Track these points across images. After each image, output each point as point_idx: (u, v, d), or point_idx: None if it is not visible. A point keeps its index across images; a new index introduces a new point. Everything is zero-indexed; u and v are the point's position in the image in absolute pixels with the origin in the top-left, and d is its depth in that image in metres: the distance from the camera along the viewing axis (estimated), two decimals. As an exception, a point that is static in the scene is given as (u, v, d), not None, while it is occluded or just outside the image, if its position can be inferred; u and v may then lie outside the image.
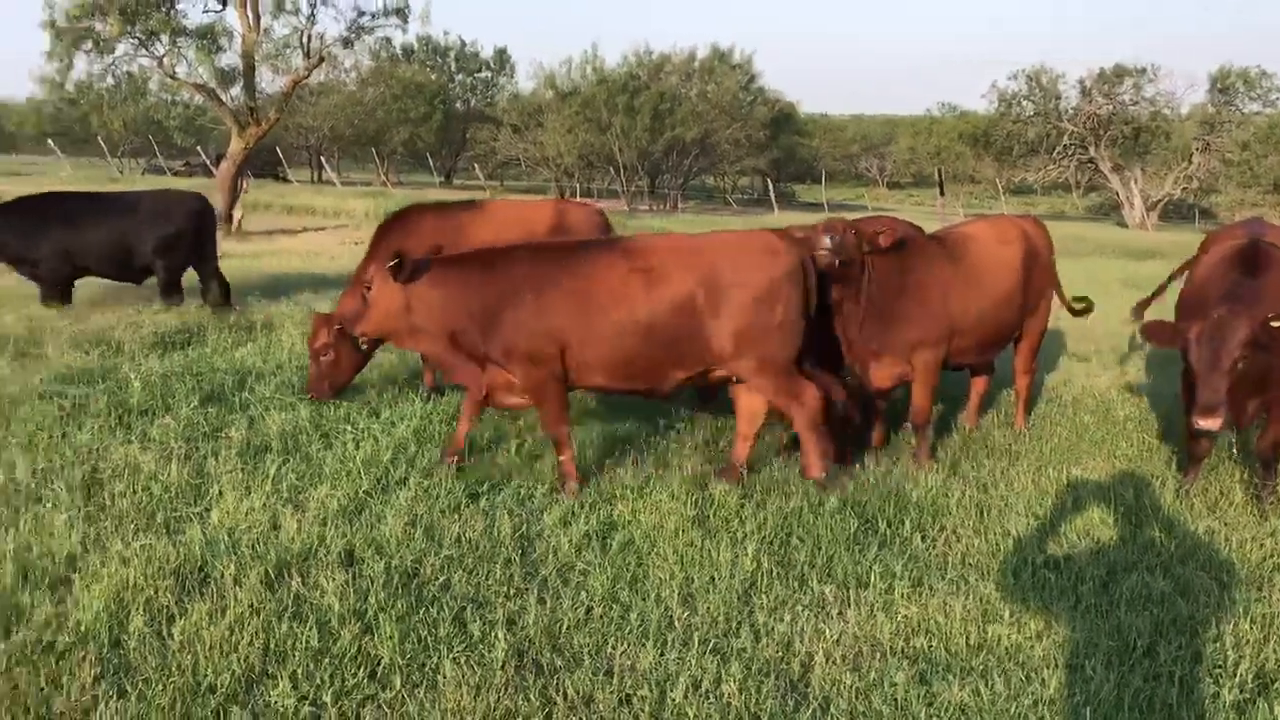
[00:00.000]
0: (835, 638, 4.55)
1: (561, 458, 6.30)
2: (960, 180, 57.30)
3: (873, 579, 5.10)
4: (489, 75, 59.77)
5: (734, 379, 6.43)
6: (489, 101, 58.98)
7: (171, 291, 11.52)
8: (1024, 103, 50.28)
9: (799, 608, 4.81)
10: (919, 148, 64.74)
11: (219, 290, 11.81)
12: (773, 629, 4.61)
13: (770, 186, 50.65)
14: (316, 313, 8.44)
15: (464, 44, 58.18)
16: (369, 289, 6.34)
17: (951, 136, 59.66)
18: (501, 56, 59.32)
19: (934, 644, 4.55)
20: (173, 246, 11.39)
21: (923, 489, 6.41)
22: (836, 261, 6.36)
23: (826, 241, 6.32)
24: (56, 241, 11.00)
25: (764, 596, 4.89)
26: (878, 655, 4.45)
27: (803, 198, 57.70)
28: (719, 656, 4.33)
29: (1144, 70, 47.26)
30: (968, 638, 4.61)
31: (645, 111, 46.01)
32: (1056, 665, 4.38)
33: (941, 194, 46.28)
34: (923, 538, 5.71)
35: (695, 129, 46.92)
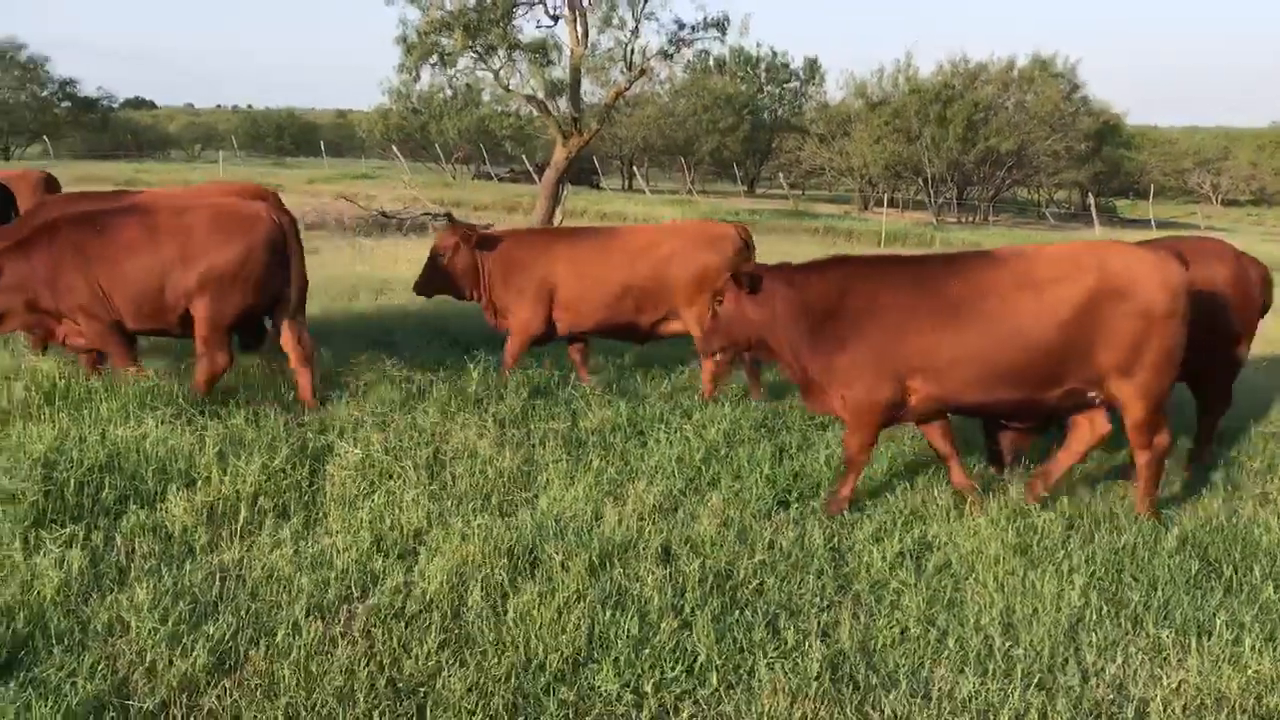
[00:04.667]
0: (1174, 686, 4.25)
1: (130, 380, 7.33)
2: (1310, 199, 51.74)
3: (1217, 627, 4.71)
4: (798, 85, 59.69)
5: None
6: (796, 111, 58.97)
7: None
8: (1398, 111, 44.64)
9: (1132, 650, 4.52)
10: (1262, 162, 58.87)
11: None
12: (1103, 669, 4.36)
13: (1090, 200, 47.65)
14: None
15: (775, 54, 58.39)
16: None
17: (1302, 150, 53.98)
18: (812, 66, 59.04)
19: (1290, 706, 4.16)
20: None
21: (1275, 534, 5.85)
22: None
23: None
24: None
25: (1093, 634, 4.62)
26: (1224, 710, 4.12)
27: (1126, 213, 53.87)
28: (1044, 692, 4.14)
29: None
30: (1331, 703, 4.17)
31: (958, 121, 44.59)
32: None
33: (1289, 212, 41.89)
34: (1276, 587, 5.21)
35: (1011, 140, 45.00)
